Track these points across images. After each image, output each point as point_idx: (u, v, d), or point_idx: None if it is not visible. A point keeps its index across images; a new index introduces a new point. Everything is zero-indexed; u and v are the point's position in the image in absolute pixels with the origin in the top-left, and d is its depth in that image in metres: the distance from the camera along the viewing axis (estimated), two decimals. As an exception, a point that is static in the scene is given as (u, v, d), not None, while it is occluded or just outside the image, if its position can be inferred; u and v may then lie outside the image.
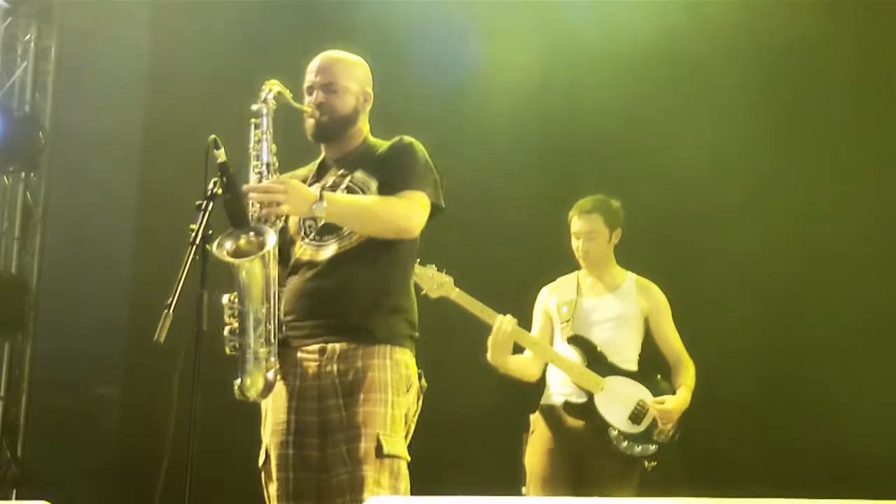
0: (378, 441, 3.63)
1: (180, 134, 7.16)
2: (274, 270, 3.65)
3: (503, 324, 5.29)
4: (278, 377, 3.76)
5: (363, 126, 4.02)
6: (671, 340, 5.55)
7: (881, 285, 6.62)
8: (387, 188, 3.82)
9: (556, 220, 5.71)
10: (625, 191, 5.81)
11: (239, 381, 3.66)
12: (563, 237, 5.63)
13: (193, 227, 3.49)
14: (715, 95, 7.00)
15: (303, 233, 3.89)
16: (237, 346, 3.63)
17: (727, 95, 6.99)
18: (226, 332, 3.63)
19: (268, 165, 3.70)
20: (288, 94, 3.78)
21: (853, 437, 6.42)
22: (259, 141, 3.70)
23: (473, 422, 6.55)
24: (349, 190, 3.86)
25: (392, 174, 3.85)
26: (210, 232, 3.50)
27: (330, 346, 3.75)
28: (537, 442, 5.44)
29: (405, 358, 3.81)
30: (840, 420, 6.47)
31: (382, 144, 3.98)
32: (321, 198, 3.63)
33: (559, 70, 7.28)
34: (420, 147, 3.94)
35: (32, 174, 7.67)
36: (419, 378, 3.86)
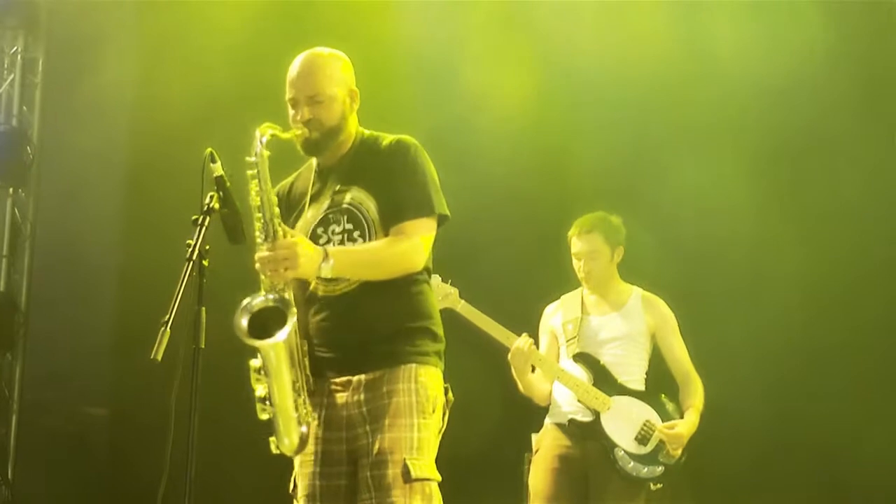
0: (405, 466, 3.61)
1: (172, 147, 7.20)
2: (296, 336, 3.62)
3: (521, 345, 5.30)
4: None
5: (352, 127, 3.95)
6: (679, 357, 5.53)
7: (890, 306, 6.63)
8: (387, 213, 3.78)
9: (559, 236, 5.70)
10: (626, 208, 5.80)
11: (275, 439, 3.66)
12: (564, 254, 5.62)
13: (190, 242, 3.46)
14: (714, 122, 7.04)
15: None
16: (268, 412, 3.60)
17: (726, 121, 7.03)
18: (257, 396, 3.59)
19: (271, 220, 3.59)
20: (279, 131, 3.65)
21: (861, 462, 6.43)
22: (258, 194, 3.58)
23: (476, 441, 6.53)
24: (348, 212, 3.82)
25: (392, 196, 3.79)
26: (207, 247, 3.48)
27: (356, 378, 3.74)
28: (541, 461, 5.42)
29: (430, 378, 3.78)
30: (848, 444, 6.48)
31: (378, 141, 3.92)
32: (327, 256, 3.59)
33: (555, 92, 7.30)
34: (420, 151, 3.89)
35: (20, 190, 7.64)
36: (446, 392, 3.85)
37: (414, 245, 3.76)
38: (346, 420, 3.73)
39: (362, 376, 3.74)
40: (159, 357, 3.23)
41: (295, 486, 3.80)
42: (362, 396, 3.72)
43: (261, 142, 3.57)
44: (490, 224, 7.05)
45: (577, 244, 5.56)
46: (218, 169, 3.55)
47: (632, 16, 7.15)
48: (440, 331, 3.90)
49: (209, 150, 3.55)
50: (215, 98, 7.16)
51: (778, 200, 6.92)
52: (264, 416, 3.61)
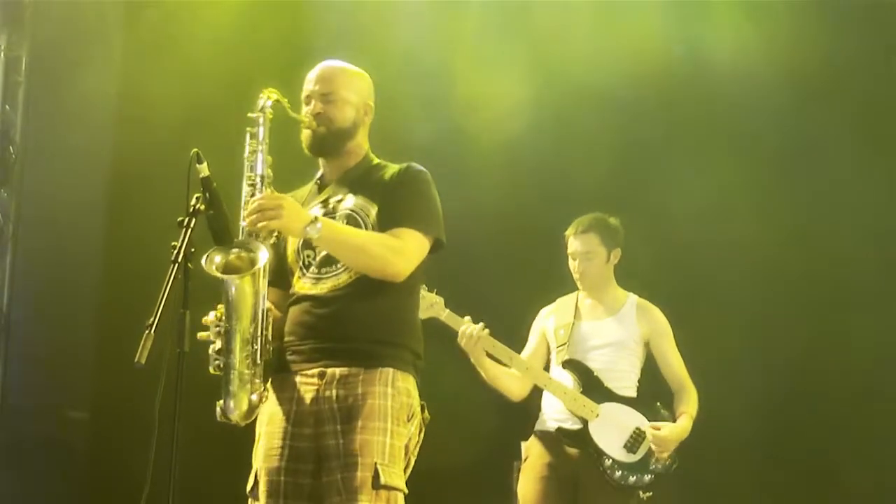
0: (375, 471, 3.59)
1: (157, 148, 7.19)
2: (264, 288, 3.62)
3: (466, 330, 5.25)
4: (274, 401, 3.75)
5: (363, 141, 3.99)
6: (673, 365, 5.53)
7: (889, 319, 6.63)
8: (386, 218, 3.79)
9: (555, 241, 5.69)
10: (622, 213, 5.80)
11: (222, 402, 3.63)
12: (560, 259, 5.62)
13: (175, 244, 3.45)
14: (711, 126, 7.07)
15: (301, 263, 3.87)
16: (221, 365, 3.59)
17: (723, 126, 7.06)
18: (210, 349, 3.60)
19: (262, 178, 3.67)
20: (286, 103, 3.74)
21: (858, 473, 6.44)
22: (254, 152, 3.67)
23: (465, 449, 6.53)
24: (349, 218, 3.83)
25: (394, 204, 3.81)
26: (193, 250, 3.46)
27: (330, 370, 3.72)
28: (530, 470, 5.42)
29: (408, 385, 3.77)
30: (845, 455, 6.49)
31: (388, 168, 3.94)
32: (316, 220, 3.60)
33: (551, 97, 7.31)
34: (428, 178, 3.91)
35: (3, 190, 7.59)
36: (422, 409, 3.83)
37: (402, 250, 3.75)
38: (315, 416, 3.70)
39: (336, 370, 3.71)
40: (143, 360, 3.22)
41: (256, 483, 3.75)
42: (334, 392, 3.69)
43: (266, 103, 3.67)
44: (484, 230, 7.05)
45: (573, 243, 5.57)
46: (204, 170, 3.54)
47: (627, 20, 7.17)
48: (420, 349, 3.88)
49: (195, 150, 3.54)
50: (201, 98, 7.15)
51: (777, 205, 6.94)
52: (215, 370, 3.60)
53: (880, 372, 6.62)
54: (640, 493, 5.36)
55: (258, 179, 3.67)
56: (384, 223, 3.79)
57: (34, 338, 7.28)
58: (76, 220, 7.48)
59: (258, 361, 3.63)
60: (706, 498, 6.28)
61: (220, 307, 3.62)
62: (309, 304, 3.81)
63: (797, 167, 6.96)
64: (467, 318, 5.29)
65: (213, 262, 3.52)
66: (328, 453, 3.65)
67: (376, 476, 3.59)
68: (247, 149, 3.68)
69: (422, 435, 3.84)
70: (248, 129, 3.67)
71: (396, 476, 3.67)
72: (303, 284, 3.84)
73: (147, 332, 3.26)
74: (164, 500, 3.33)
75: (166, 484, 3.33)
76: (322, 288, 3.80)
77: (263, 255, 3.54)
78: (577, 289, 5.64)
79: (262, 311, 3.63)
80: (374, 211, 3.82)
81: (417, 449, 3.83)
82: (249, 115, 3.67)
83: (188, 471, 3.41)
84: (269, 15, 7.37)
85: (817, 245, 6.80)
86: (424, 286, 5.18)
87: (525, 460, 5.49)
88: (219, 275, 3.52)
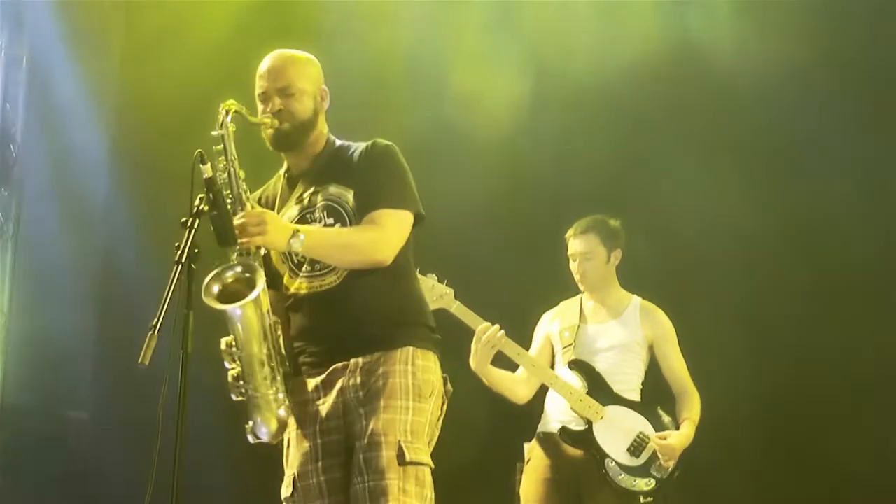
0: (400, 448, 3.62)
1: (158, 147, 7.21)
2: (267, 304, 3.63)
3: (484, 331, 5.28)
4: (295, 405, 3.78)
5: (322, 127, 3.99)
6: (677, 369, 5.54)
7: (888, 322, 6.64)
8: (362, 202, 3.80)
9: (554, 240, 5.70)
10: (622, 212, 5.80)
11: (251, 424, 3.68)
12: (561, 258, 5.63)
13: (179, 244, 3.45)
14: (711, 125, 7.07)
15: (291, 263, 3.88)
16: (244, 391, 3.63)
17: (724, 125, 7.06)
18: (230, 377, 3.64)
19: (239, 196, 3.66)
20: (245, 112, 3.71)
21: (860, 477, 6.44)
22: (226, 169, 3.65)
23: (467, 450, 6.52)
24: (327, 208, 3.84)
25: (368, 186, 3.82)
26: (196, 250, 3.46)
27: (353, 361, 3.75)
28: (533, 471, 5.43)
29: (427, 362, 3.81)
30: (848, 458, 6.48)
31: (353, 148, 3.94)
32: (298, 232, 3.61)
33: (549, 95, 7.31)
34: (395, 151, 3.91)
35: (3, 189, 7.60)
36: (445, 382, 3.87)
37: (384, 236, 3.77)
38: (342, 406, 3.73)
39: (359, 359, 3.74)
40: (147, 361, 3.22)
41: (295, 488, 3.78)
42: (358, 380, 3.72)
43: (226, 117, 3.63)
44: (485, 227, 7.05)
45: (573, 244, 5.58)
46: (208, 170, 3.53)
47: (627, 16, 7.16)
48: (432, 322, 3.93)
49: (199, 151, 3.53)
50: (202, 97, 7.12)
51: (778, 207, 6.93)
52: (237, 397, 3.63)
53: (882, 375, 6.62)
54: (642, 497, 5.35)
55: (236, 198, 3.66)
56: (361, 207, 3.80)
57: (34, 337, 7.29)
58: (76, 219, 7.50)
59: (277, 377, 3.67)
60: (707, 502, 6.27)
61: (231, 335, 3.63)
62: (311, 304, 3.83)
63: (800, 166, 6.95)
64: (487, 323, 5.32)
65: (211, 293, 3.52)
66: (356, 438, 3.69)
67: (401, 453, 3.62)
68: (219, 166, 3.64)
69: (444, 409, 3.87)
70: (214, 147, 3.64)
71: (422, 452, 3.71)
72: (299, 284, 3.85)
73: (151, 332, 3.26)
74: (167, 500, 3.35)
75: (169, 484, 3.34)
76: (320, 284, 3.81)
77: (261, 282, 3.54)
78: (577, 290, 5.65)
79: (270, 327, 3.66)
80: (350, 195, 3.83)
81: (440, 422, 3.86)
82: (213, 133, 3.64)
83: (190, 471, 3.43)
84: (268, 15, 7.38)
85: (820, 246, 6.79)
86: (435, 276, 5.19)
87: (527, 462, 5.49)
88: (222, 307, 3.52)
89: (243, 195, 3.67)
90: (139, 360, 3.21)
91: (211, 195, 3.54)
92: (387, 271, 3.79)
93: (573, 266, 5.58)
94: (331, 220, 3.83)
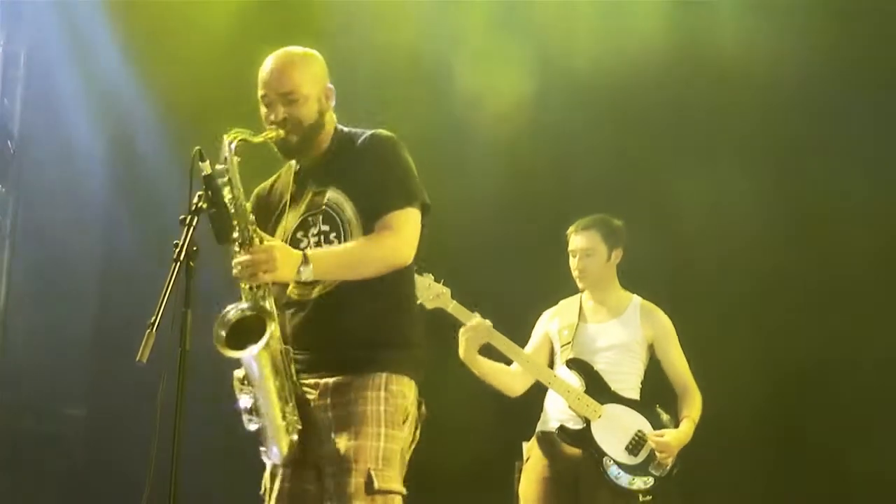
0: (369, 476, 3.59)
1: (157, 144, 7.21)
2: (277, 333, 3.60)
3: (472, 322, 5.28)
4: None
5: (329, 125, 3.92)
6: (678, 367, 5.54)
7: (890, 320, 6.64)
8: (369, 205, 3.76)
9: (557, 239, 5.71)
10: (626, 210, 5.80)
11: (264, 448, 3.68)
12: (562, 256, 5.63)
13: (178, 242, 3.44)
14: (716, 124, 7.07)
15: None
16: (258, 425, 3.62)
17: (729, 124, 7.06)
18: (243, 410, 3.62)
19: (245, 228, 3.58)
20: (248, 136, 3.62)
21: (863, 477, 6.44)
22: (231, 202, 3.55)
23: (466, 449, 6.54)
24: (324, 214, 3.80)
25: (371, 187, 3.77)
26: (195, 248, 3.46)
27: (324, 381, 3.72)
28: (532, 470, 5.43)
29: (402, 388, 3.76)
30: (850, 459, 6.48)
31: (355, 137, 3.89)
32: (306, 259, 3.57)
33: (554, 94, 7.31)
34: (395, 142, 3.86)
35: (1, 186, 7.61)
36: (419, 406, 3.83)
37: (402, 239, 3.74)
38: (313, 426, 3.70)
39: (329, 380, 3.71)
40: (145, 359, 3.22)
41: (267, 487, 3.79)
42: (329, 400, 3.69)
43: (230, 148, 3.55)
44: (486, 225, 7.06)
45: (574, 240, 5.58)
46: (206, 167, 3.51)
47: (630, 17, 7.16)
48: (419, 338, 3.88)
49: (197, 148, 3.51)
50: (201, 93, 7.16)
51: (781, 204, 6.93)
52: (251, 427, 3.62)
53: (884, 372, 6.62)
54: (640, 496, 5.35)
55: (242, 229, 3.58)
56: (368, 213, 3.76)
57: (31, 334, 7.29)
58: (74, 216, 7.51)
59: (289, 403, 3.65)
60: (707, 501, 6.28)
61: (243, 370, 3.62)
62: (299, 310, 3.80)
63: (802, 166, 6.95)
64: (476, 313, 5.32)
65: (222, 340, 3.46)
66: (324, 462, 3.66)
67: (370, 482, 3.58)
68: (225, 199, 3.53)
69: (418, 433, 3.83)
70: (219, 179, 3.52)
71: (393, 480, 3.66)
72: (292, 288, 3.82)
73: (149, 330, 3.26)
74: (165, 498, 3.35)
75: (166, 482, 3.35)
76: (311, 292, 3.78)
77: (272, 322, 3.50)
78: (577, 289, 5.65)
79: (282, 356, 3.64)
80: (349, 207, 3.78)
81: (413, 447, 3.82)
82: (217, 167, 3.53)
83: (188, 469, 3.43)
84: (269, 12, 7.37)
85: (822, 245, 6.79)
86: (431, 276, 5.19)
87: (526, 461, 5.49)
88: (235, 354, 3.47)
89: (250, 228, 3.59)
90: (137, 358, 3.22)
91: (210, 192, 3.52)
92: (383, 283, 3.75)
93: (573, 262, 5.57)
94: (326, 227, 3.80)
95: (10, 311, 7.47)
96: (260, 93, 3.86)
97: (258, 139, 3.69)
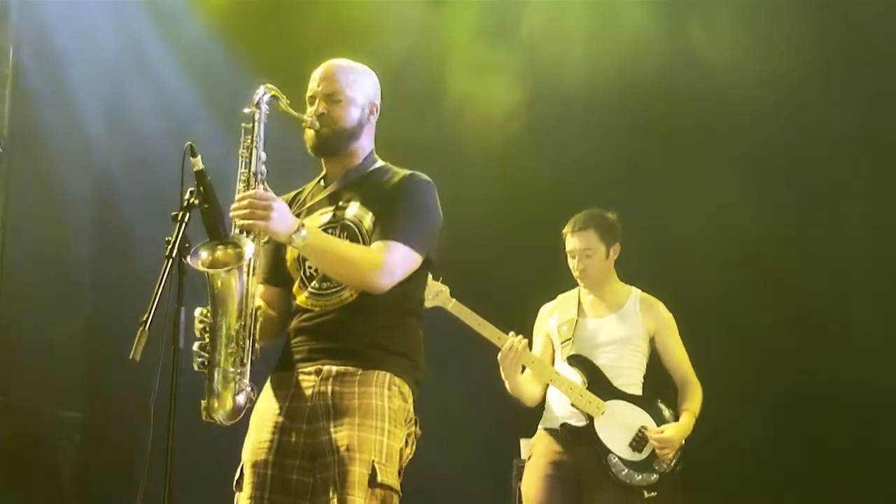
0: (373, 468, 3.56)
1: (148, 141, 7.21)
2: (251, 286, 3.59)
3: (514, 344, 5.28)
4: (270, 396, 3.74)
5: (365, 142, 3.94)
6: (678, 360, 5.54)
7: (889, 319, 6.65)
8: (379, 228, 3.74)
9: (552, 242, 5.70)
10: (619, 214, 5.79)
11: (205, 401, 3.60)
12: (557, 256, 5.63)
13: (169, 239, 3.45)
14: (708, 131, 7.09)
15: (302, 273, 3.82)
16: (205, 362, 3.56)
17: (720, 130, 7.08)
18: (195, 346, 3.57)
19: (255, 175, 3.61)
20: (284, 100, 3.70)
21: (863, 475, 6.46)
22: (248, 148, 3.61)
23: (463, 447, 6.54)
24: (345, 227, 3.79)
25: (388, 215, 3.76)
26: (187, 245, 3.45)
27: (326, 367, 3.70)
28: (535, 467, 5.41)
29: (404, 391, 3.75)
30: (845, 456, 6.51)
31: (392, 174, 3.89)
32: (303, 226, 3.56)
33: (545, 103, 7.33)
34: (427, 189, 3.86)
35: (-10, 184, 7.60)
36: (415, 423, 3.80)
37: (385, 265, 3.68)
38: (308, 411, 3.67)
39: (333, 367, 3.69)
40: (138, 357, 3.22)
41: (242, 475, 3.72)
42: (329, 388, 3.66)
43: (262, 97, 3.64)
44: (480, 235, 7.02)
45: (571, 241, 5.56)
46: (198, 163, 3.52)
47: (623, 22, 7.16)
48: (420, 362, 3.85)
49: (189, 143, 3.52)
50: (195, 90, 7.18)
51: (775, 206, 6.95)
52: (198, 368, 3.56)
53: (881, 371, 6.63)
54: (645, 492, 5.36)
55: (251, 176, 3.61)
56: (377, 233, 3.75)
57: (25, 335, 7.28)
58: (66, 214, 7.51)
59: (245, 362, 3.59)
60: (709, 498, 6.28)
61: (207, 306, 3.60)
62: (312, 315, 3.78)
63: (796, 168, 6.97)
64: (511, 333, 5.33)
65: (198, 256, 3.49)
66: (322, 450, 3.62)
67: (374, 474, 3.56)
68: (241, 144, 3.62)
69: (413, 448, 3.80)
70: (242, 124, 3.61)
71: (393, 477, 3.64)
72: (304, 298, 3.81)
73: (141, 328, 3.26)
74: (160, 497, 3.35)
75: (162, 481, 3.35)
76: (324, 305, 3.76)
77: (249, 250, 3.51)
78: (575, 284, 5.65)
79: (251, 309, 3.61)
80: (368, 218, 3.78)
81: (407, 461, 3.77)
82: (245, 110, 3.62)
83: (184, 467, 3.43)
84: (259, 23, 7.39)
85: (816, 245, 6.82)
86: (430, 274, 5.19)
87: (529, 458, 5.49)
88: (202, 268, 3.48)
89: (260, 176, 3.61)
90: (130, 356, 3.21)
91: (201, 188, 3.52)
92: (393, 310, 3.76)
93: (572, 263, 5.56)
94: (343, 235, 3.78)
95: (2, 313, 7.44)
96: (308, 94, 3.91)
97: (291, 111, 3.75)
